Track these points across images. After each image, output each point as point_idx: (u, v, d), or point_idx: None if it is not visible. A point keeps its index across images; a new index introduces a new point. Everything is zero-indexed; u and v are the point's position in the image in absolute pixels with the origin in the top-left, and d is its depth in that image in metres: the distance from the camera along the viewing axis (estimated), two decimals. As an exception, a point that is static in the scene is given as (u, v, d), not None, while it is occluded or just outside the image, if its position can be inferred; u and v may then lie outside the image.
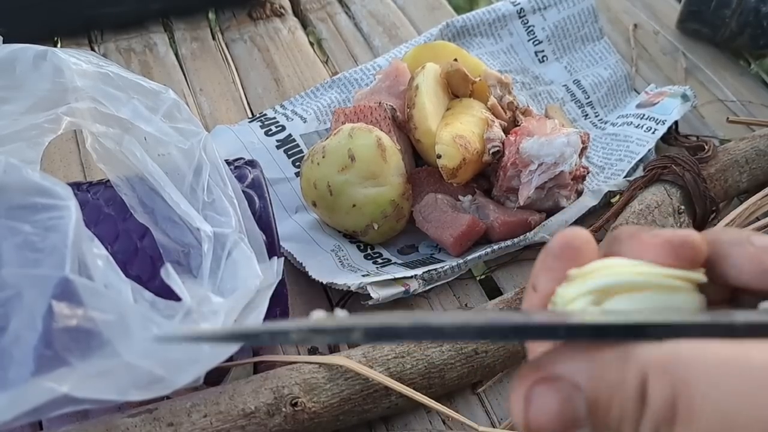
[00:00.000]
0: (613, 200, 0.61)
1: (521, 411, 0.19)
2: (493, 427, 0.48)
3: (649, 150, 0.63)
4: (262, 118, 0.65)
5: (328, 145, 0.56)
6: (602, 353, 0.19)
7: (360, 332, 0.18)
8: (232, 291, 0.40)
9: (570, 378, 0.19)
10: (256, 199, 0.46)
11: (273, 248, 0.45)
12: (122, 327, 0.34)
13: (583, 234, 0.22)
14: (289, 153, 0.63)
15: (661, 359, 0.18)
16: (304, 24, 0.82)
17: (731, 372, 0.17)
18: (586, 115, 0.72)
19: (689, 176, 0.57)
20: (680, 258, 0.21)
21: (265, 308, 0.40)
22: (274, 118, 0.66)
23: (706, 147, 0.61)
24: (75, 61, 0.44)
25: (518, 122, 0.61)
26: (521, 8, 0.75)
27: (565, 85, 0.73)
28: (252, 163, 0.50)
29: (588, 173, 0.60)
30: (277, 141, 0.64)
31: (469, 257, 0.55)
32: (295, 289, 0.54)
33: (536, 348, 0.23)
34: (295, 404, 0.43)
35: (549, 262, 0.23)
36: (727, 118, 0.68)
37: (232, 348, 0.37)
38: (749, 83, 0.76)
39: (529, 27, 0.76)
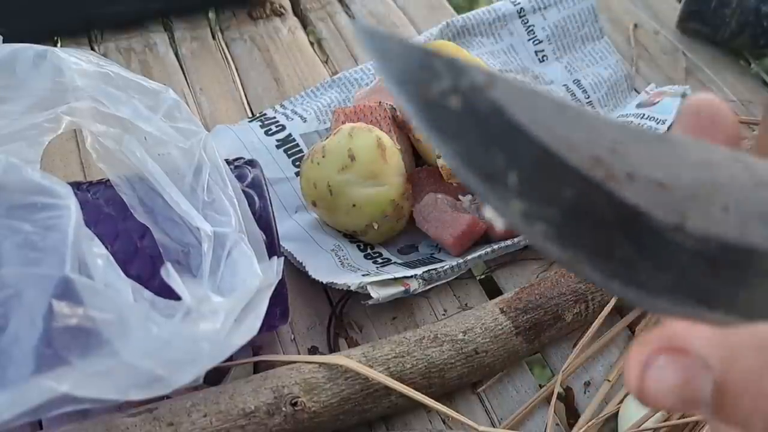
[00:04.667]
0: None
1: (636, 378, 0.17)
2: (493, 426, 0.48)
3: (649, 150, 0.63)
4: (262, 118, 0.65)
5: (328, 145, 0.56)
6: (739, 335, 0.16)
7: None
8: (232, 290, 0.40)
9: (699, 354, 0.16)
10: (256, 198, 0.46)
11: (273, 248, 0.45)
12: (122, 326, 0.34)
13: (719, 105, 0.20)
14: (289, 153, 0.63)
15: None
16: (304, 23, 0.82)
17: None
18: (586, 114, 0.72)
19: (689, 176, 0.57)
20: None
21: (265, 308, 0.40)
22: (274, 117, 0.66)
23: (706, 147, 0.61)
24: (75, 61, 0.44)
25: (518, 122, 0.61)
26: (521, 8, 0.75)
27: (565, 85, 0.73)
28: (252, 163, 0.50)
29: (588, 173, 0.60)
30: (277, 141, 0.64)
31: (469, 257, 0.55)
32: (295, 289, 0.54)
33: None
34: (295, 404, 0.43)
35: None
36: (727, 117, 0.68)
37: (233, 347, 0.37)
38: (749, 83, 0.76)
39: (529, 27, 0.75)
